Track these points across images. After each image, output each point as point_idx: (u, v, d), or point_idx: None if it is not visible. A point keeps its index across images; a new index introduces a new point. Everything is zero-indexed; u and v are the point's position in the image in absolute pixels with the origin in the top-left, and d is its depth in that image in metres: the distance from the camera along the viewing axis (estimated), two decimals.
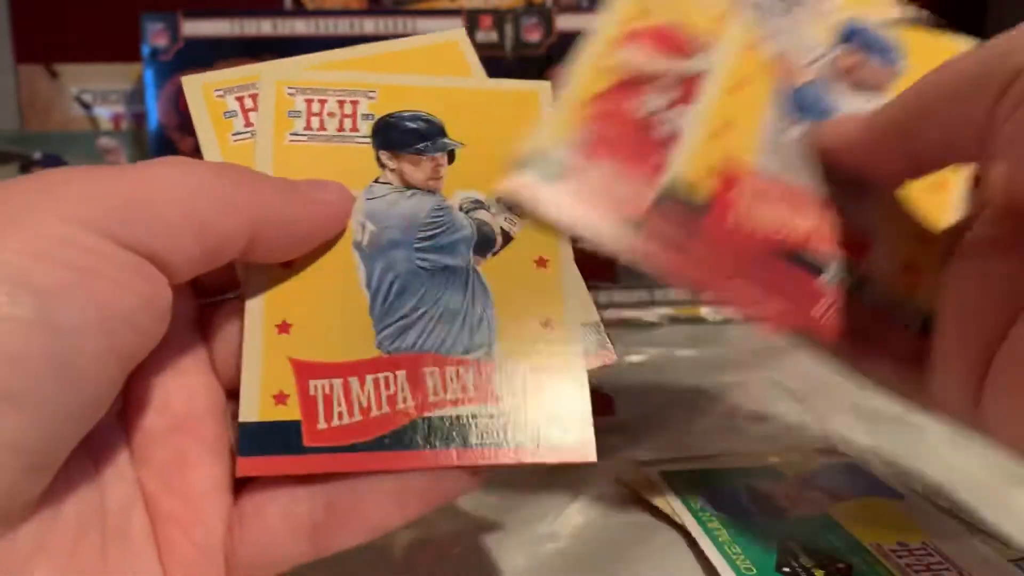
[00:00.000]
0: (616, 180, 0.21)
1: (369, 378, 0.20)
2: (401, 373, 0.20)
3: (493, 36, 0.58)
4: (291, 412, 0.19)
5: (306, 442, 0.19)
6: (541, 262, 0.22)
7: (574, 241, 0.22)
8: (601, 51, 0.23)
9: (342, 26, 0.59)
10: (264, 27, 0.58)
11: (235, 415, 0.20)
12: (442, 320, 0.21)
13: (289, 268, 0.20)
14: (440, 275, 0.21)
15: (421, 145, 0.22)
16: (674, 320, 0.58)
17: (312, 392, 0.19)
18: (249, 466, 0.19)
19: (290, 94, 0.22)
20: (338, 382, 0.20)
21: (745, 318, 0.22)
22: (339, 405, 0.19)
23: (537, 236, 0.22)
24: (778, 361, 0.49)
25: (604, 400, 0.37)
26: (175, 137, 0.59)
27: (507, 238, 0.22)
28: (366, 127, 0.22)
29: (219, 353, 0.20)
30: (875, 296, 0.23)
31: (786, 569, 0.26)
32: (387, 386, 0.20)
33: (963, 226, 0.23)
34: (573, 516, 0.31)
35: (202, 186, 0.17)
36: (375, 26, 0.59)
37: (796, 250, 0.22)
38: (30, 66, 0.68)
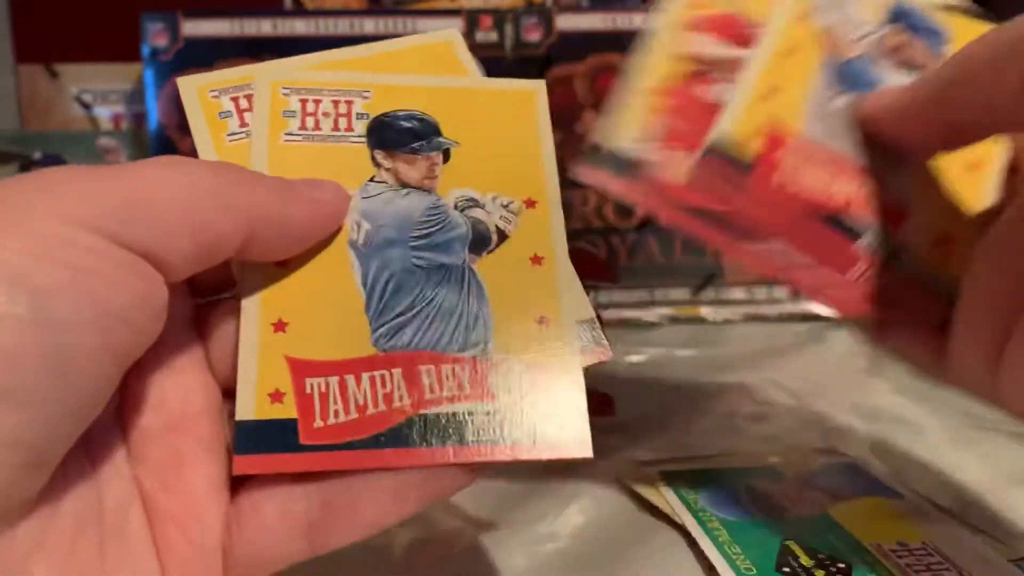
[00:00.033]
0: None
1: (365, 376, 0.20)
2: (397, 371, 0.20)
3: (493, 36, 0.58)
4: (287, 410, 0.19)
5: (302, 440, 0.19)
6: (536, 260, 0.22)
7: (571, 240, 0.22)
8: (667, 41, 0.24)
9: (342, 26, 0.59)
10: (264, 27, 0.58)
11: (231, 413, 0.20)
12: (438, 318, 0.21)
13: (285, 267, 0.20)
14: (435, 273, 0.21)
15: (416, 144, 0.22)
16: (674, 320, 0.58)
17: (308, 390, 0.19)
18: (246, 464, 0.19)
19: (285, 94, 0.22)
20: (334, 380, 0.20)
21: (779, 279, 0.23)
22: (335, 403, 0.19)
23: (532, 234, 0.22)
24: (778, 361, 0.49)
25: (604, 400, 0.37)
26: (175, 137, 0.59)
27: (502, 236, 0.22)
28: (361, 127, 0.22)
29: (215, 352, 0.20)
30: (909, 265, 0.24)
31: (786, 569, 0.26)
32: (383, 384, 0.20)
33: (998, 208, 0.24)
34: (573, 516, 0.31)
35: (198, 185, 0.17)
36: (375, 26, 0.59)
37: (836, 214, 0.23)
38: (30, 66, 0.68)
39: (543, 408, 0.20)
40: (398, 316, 0.21)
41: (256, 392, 0.19)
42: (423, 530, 0.29)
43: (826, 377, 0.47)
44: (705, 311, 0.59)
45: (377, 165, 0.22)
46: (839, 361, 0.50)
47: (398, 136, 0.22)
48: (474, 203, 0.22)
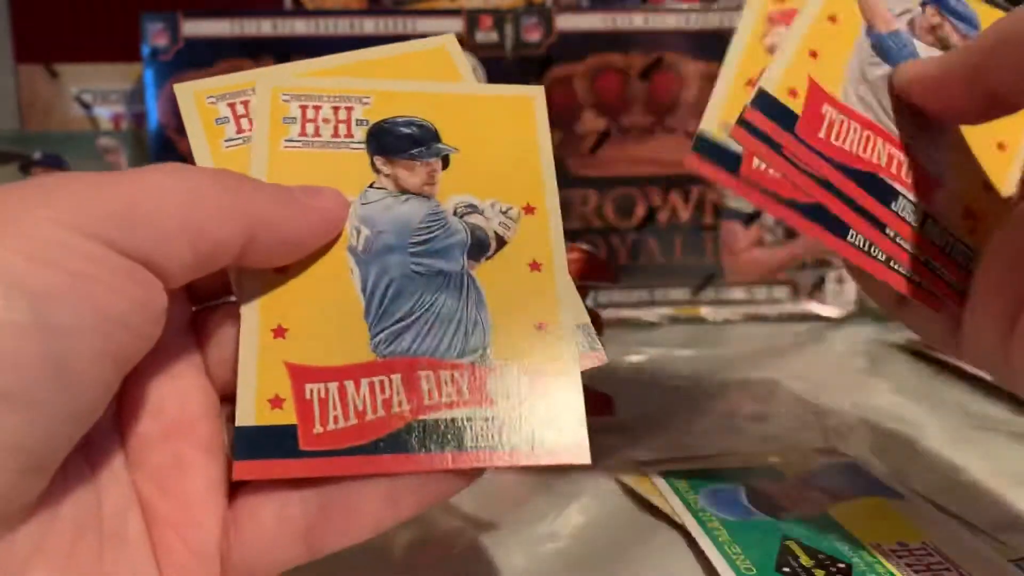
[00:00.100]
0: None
1: (364, 382, 0.20)
2: (396, 377, 0.20)
3: (493, 36, 0.58)
4: (287, 416, 0.19)
5: (302, 446, 0.19)
6: (535, 265, 0.22)
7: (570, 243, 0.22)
8: (754, 34, 0.24)
9: (342, 26, 0.59)
10: (264, 27, 0.58)
11: (230, 418, 0.20)
12: (437, 324, 0.21)
13: (284, 273, 0.20)
14: (435, 279, 0.21)
15: (415, 150, 0.22)
16: (674, 320, 0.58)
17: (308, 396, 0.19)
18: (245, 470, 0.19)
19: (285, 100, 0.22)
20: (333, 386, 0.20)
21: (809, 234, 0.23)
22: (335, 409, 0.19)
23: (531, 240, 0.22)
24: (778, 361, 0.49)
25: (604, 400, 0.37)
26: (175, 137, 0.59)
27: (501, 242, 0.22)
28: (360, 133, 0.22)
29: (213, 357, 0.20)
30: (936, 234, 0.24)
31: (786, 569, 0.26)
32: (382, 390, 0.20)
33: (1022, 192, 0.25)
34: (573, 516, 0.31)
35: (197, 192, 0.17)
36: (375, 26, 0.59)
37: (874, 173, 0.24)
38: (30, 66, 0.68)
39: (542, 414, 0.20)
40: (397, 322, 0.21)
41: (256, 398, 0.19)
42: (423, 530, 0.29)
43: (826, 377, 0.47)
44: (705, 311, 0.59)
45: (377, 171, 0.22)
46: (839, 361, 0.50)
47: (397, 142, 0.22)
48: (473, 209, 0.22)
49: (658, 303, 0.59)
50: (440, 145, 0.23)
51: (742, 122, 0.23)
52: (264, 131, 0.22)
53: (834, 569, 0.26)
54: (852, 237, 0.23)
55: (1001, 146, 0.26)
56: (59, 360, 0.15)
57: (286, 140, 0.22)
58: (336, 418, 0.19)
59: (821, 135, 0.23)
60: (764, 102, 0.23)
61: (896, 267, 0.24)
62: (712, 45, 0.59)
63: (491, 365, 0.20)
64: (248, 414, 0.19)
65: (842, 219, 0.23)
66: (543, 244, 0.22)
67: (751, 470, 0.33)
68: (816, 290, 0.59)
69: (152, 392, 0.19)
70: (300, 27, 0.59)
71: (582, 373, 0.21)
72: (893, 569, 0.26)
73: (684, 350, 0.52)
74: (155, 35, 0.58)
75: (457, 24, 0.58)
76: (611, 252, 0.59)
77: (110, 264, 0.16)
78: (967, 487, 0.33)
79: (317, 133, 0.22)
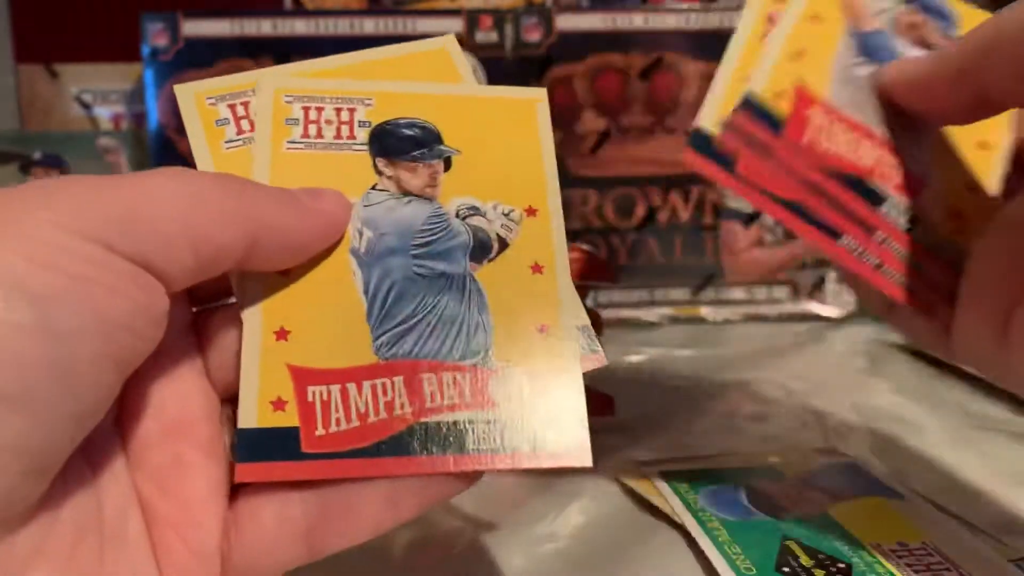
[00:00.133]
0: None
1: (367, 384, 0.20)
2: (398, 379, 0.20)
3: (493, 36, 0.58)
4: (289, 418, 0.19)
5: (304, 448, 0.19)
6: (537, 268, 0.22)
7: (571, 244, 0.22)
8: (754, 32, 0.24)
9: (342, 26, 0.59)
10: (264, 27, 0.58)
11: (230, 419, 0.20)
12: (439, 326, 0.21)
13: (286, 275, 0.20)
14: (437, 282, 0.21)
15: (417, 152, 0.22)
16: (674, 320, 0.58)
17: (310, 398, 0.19)
18: (247, 472, 0.19)
19: (287, 102, 0.22)
20: (336, 388, 0.20)
21: (804, 237, 0.23)
22: (337, 411, 0.19)
23: (533, 242, 0.22)
24: (778, 361, 0.49)
25: (604, 400, 0.37)
26: (175, 137, 0.59)
27: (503, 244, 0.22)
28: (363, 134, 0.22)
29: (213, 358, 0.20)
30: (924, 236, 0.24)
31: (786, 569, 0.26)
32: (384, 392, 0.20)
33: (1010, 189, 0.25)
34: (573, 516, 0.31)
35: (198, 197, 0.17)
36: (375, 26, 0.59)
37: (862, 177, 0.24)
38: (30, 66, 0.68)
39: (543, 417, 0.20)
40: (399, 324, 0.21)
41: (258, 400, 0.19)
42: (423, 530, 0.29)
43: (826, 377, 0.47)
44: (705, 311, 0.59)
45: (379, 173, 0.22)
46: (839, 361, 0.50)
47: (400, 144, 0.22)
48: (475, 211, 0.22)
49: (658, 303, 0.59)
50: (442, 147, 0.23)
51: (729, 127, 0.23)
52: (266, 132, 0.22)
53: (834, 569, 0.26)
54: (844, 241, 0.23)
55: (983, 145, 0.26)
56: (61, 362, 0.15)
57: (288, 142, 0.22)
58: (338, 420, 0.19)
59: (808, 139, 0.23)
60: (750, 107, 0.23)
61: (886, 271, 0.24)
62: (712, 45, 0.59)
63: (493, 368, 0.20)
64: (250, 416, 0.19)
65: (833, 224, 0.23)
66: (545, 246, 0.22)
67: (751, 470, 0.33)
68: (816, 290, 0.59)
69: (152, 393, 0.19)
70: (300, 27, 0.59)
71: (584, 374, 0.21)
72: (893, 569, 0.26)
73: (684, 350, 0.52)
74: (155, 35, 0.58)
75: (457, 24, 0.58)
76: (611, 252, 0.59)
77: (111, 267, 0.16)
78: (967, 487, 0.33)
79: (320, 135, 0.22)
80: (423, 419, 0.20)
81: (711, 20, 0.59)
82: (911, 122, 0.24)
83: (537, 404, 0.20)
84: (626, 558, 0.28)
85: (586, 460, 0.20)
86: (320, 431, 0.19)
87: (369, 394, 0.20)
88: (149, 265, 0.16)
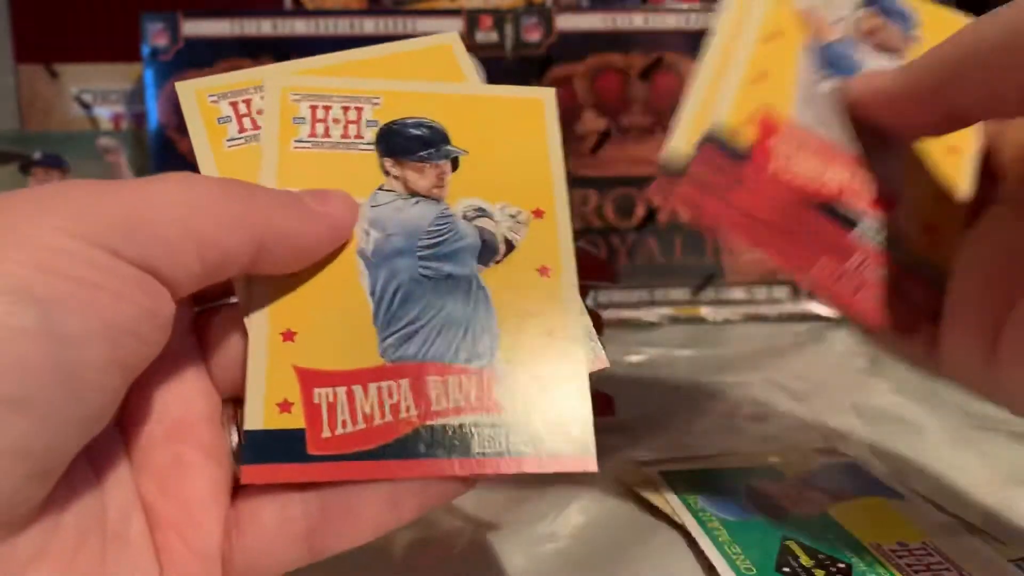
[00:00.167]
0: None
1: (372, 387, 0.20)
2: (404, 382, 0.20)
3: (493, 36, 0.58)
4: (295, 420, 0.19)
5: (310, 450, 0.19)
6: (544, 271, 0.22)
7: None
8: (721, 62, 0.23)
9: (342, 26, 0.59)
10: (264, 27, 0.58)
11: (232, 419, 0.20)
12: (445, 329, 0.21)
13: (294, 276, 0.20)
14: (443, 284, 0.21)
15: (424, 152, 0.22)
16: (674, 320, 0.58)
17: (316, 400, 0.19)
18: (253, 474, 0.18)
19: (294, 100, 0.22)
20: (342, 390, 0.20)
21: (780, 270, 0.23)
22: (343, 413, 0.19)
23: (540, 244, 0.22)
24: (778, 361, 0.49)
25: (604, 400, 0.37)
26: (175, 137, 0.59)
27: (510, 246, 0.22)
28: (370, 134, 0.22)
29: (215, 358, 0.20)
30: (901, 253, 0.24)
31: (786, 569, 0.26)
32: (390, 395, 0.20)
33: (980, 198, 0.24)
34: (573, 516, 0.31)
35: (203, 202, 0.17)
36: (375, 26, 0.59)
37: (831, 202, 0.23)
38: (30, 66, 0.68)
39: (549, 421, 0.20)
40: (406, 326, 0.20)
41: (264, 402, 0.19)
42: (423, 530, 0.29)
43: (826, 377, 0.47)
44: (705, 311, 0.59)
45: (386, 173, 0.22)
46: (839, 361, 0.50)
47: (407, 144, 0.22)
48: (482, 213, 0.22)
49: (658, 303, 0.59)
50: (449, 147, 0.22)
51: (690, 174, 0.22)
52: (274, 131, 0.22)
53: (834, 569, 0.26)
54: (818, 270, 0.23)
55: (952, 149, 0.25)
56: (67, 367, 0.15)
57: (296, 141, 0.22)
58: (344, 423, 0.19)
59: (773, 170, 0.22)
60: (713, 144, 0.22)
61: (864, 297, 0.23)
62: None
63: (499, 371, 0.20)
64: (256, 417, 0.19)
65: (805, 254, 0.22)
66: (552, 249, 0.22)
67: (751, 470, 0.33)
68: None
69: (154, 394, 0.19)
70: (300, 27, 0.59)
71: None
72: (893, 569, 0.26)
73: (684, 350, 0.52)
74: (155, 35, 0.58)
75: (457, 24, 0.58)
76: (611, 252, 0.59)
77: (117, 272, 0.16)
78: (967, 487, 0.33)
79: (327, 134, 0.22)
80: (429, 422, 0.20)
81: (711, 20, 0.59)
82: (880, 135, 0.24)
83: (543, 408, 0.20)
84: (626, 558, 0.28)
85: (591, 466, 0.20)
86: (326, 433, 0.19)
87: (375, 396, 0.20)
88: (154, 270, 0.16)
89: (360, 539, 0.19)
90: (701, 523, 0.28)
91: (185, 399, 0.19)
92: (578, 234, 0.63)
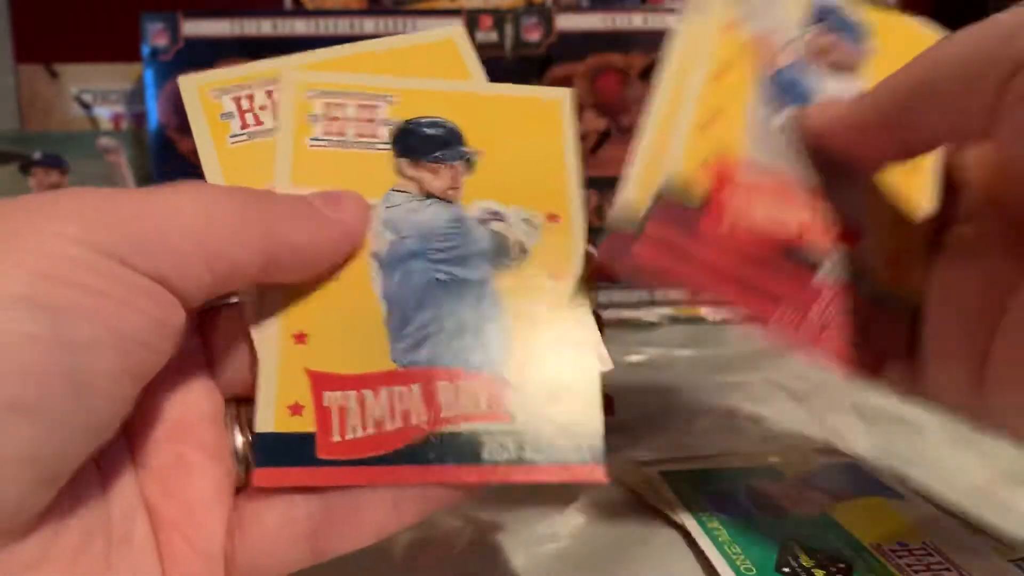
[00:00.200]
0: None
1: (384, 391, 0.19)
2: (415, 387, 0.20)
3: (493, 36, 0.58)
4: (306, 424, 0.19)
5: (320, 454, 0.19)
6: (557, 276, 0.21)
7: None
8: (671, 94, 0.22)
9: (342, 26, 0.59)
10: (264, 27, 0.58)
11: (235, 419, 0.20)
12: (457, 334, 0.20)
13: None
14: (456, 288, 0.21)
15: (439, 153, 0.22)
16: (674, 320, 0.58)
17: (327, 404, 0.19)
18: (265, 477, 0.18)
19: (310, 97, 0.22)
20: (353, 395, 0.19)
21: (747, 322, 0.21)
22: (353, 418, 0.19)
23: (553, 249, 0.22)
24: (778, 361, 0.49)
25: (604, 400, 0.37)
26: (175, 137, 0.59)
27: (523, 251, 0.21)
28: (385, 133, 0.22)
29: (218, 358, 0.20)
30: (870, 288, 0.23)
31: (786, 569, 0.26)
32: (401, 400, 0.19)
33: (942, 216, 0.23)
34: (573, 516, 0.31)
35: (215, 215, 0.17)
36: (375, 26, 0.59)
37: (792, 246, 0.22)
38: (30, 66, 0.68)
39: (559, 430, 0.20)
40: (418, 331, 0.20)
41: (276, 404, 0.19)
42: (423, 530, 0.29)
43: (826, 377, 0.47)
44: (705, 311, 0.59)
45: (401, 173, 0.22)
46: None
47: (422, 144, 0.22)
48: (497, 216, 0.22)
49: (658, 303, 0.59)
50: (464, 148, 0.22)
51: (646, 233, 0.20)
52: (289, 128, 0.21)
53: (834, 569, 0.26)
54: (782, 317, 0.21)
55: (912, 169, 0.23)
56: (77, 375, 0.15)
57: (311, 139, 0.21)
58: (355, 427, 0.19)
59: (732, 220, 0.21)
60: (667, 200, 0.21)
61: (832, 340, 0.22)
62: None
63: (510, 378, 0.20)
64: (268, 420, 0.19)
65: (769, 304, 0.21)
66: (565, 255, 0.22)
67: (751, 470, 0.33)
68: None
69: (157, 394, 0.19)
70: (300, 27, 0.59)
71: None
72: (893, 569, 0.26)
73: (684, 350, 0.52)
74: (155, 35, 0.58)
75: (457, 24, 0.58)
76: None
77: (127, 282, 0.16)
78: (967, 487, 0.33)
79: (342, 132, 0.22)
80: (439, 428, 0.19)
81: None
82: (840, 165, 0.22)
83: (553, 416, 0.20)
84: (626, 558, 0.28)
85: (601, 476, 0.20)
86: (336, 437, 0.19)
87: (386, 401, 0.19)
88: (165, 281, 0.16)
89: (363, 541, 0.19)
90: (701, 523, 0.28)
91: (188, 399, 0.19)
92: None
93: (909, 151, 0.21)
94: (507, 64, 0.58)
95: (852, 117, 0.21)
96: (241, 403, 0.20)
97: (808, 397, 0.43)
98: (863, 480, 0.32)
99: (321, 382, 0.19)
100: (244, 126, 0.21)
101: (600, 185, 0.59)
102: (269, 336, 0.20)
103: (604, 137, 0.59)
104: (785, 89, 0.23)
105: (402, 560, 0.28)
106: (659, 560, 0.28)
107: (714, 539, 0.27)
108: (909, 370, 0.22)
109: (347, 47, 0.23)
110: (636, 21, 0.59)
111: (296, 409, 0.19)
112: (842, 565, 0.26)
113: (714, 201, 0.21)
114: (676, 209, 0.21)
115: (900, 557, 0.27)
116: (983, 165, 0.22)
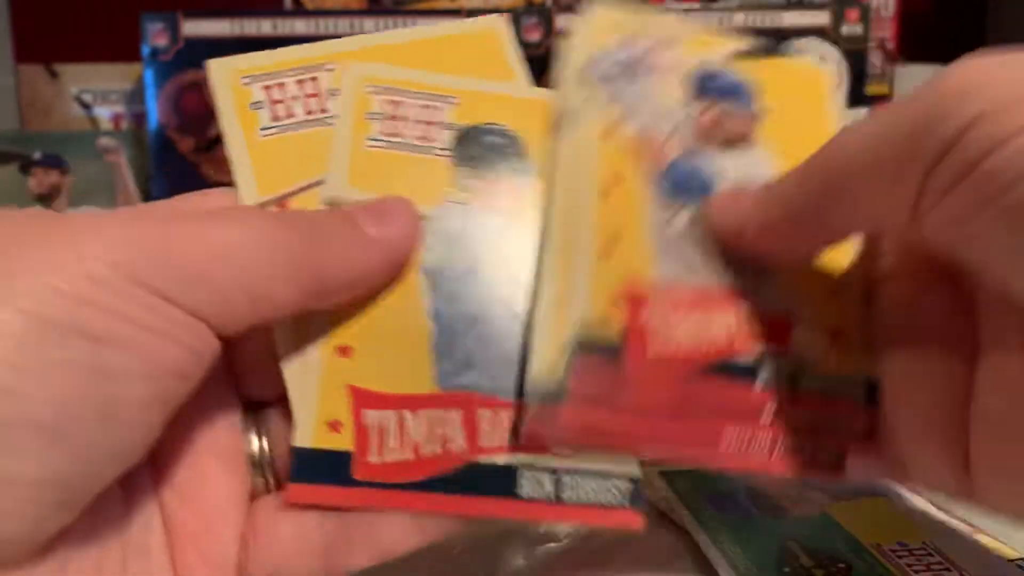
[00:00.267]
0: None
1: (423, 414, 0.19)
2: (456, 413, 0.19)
3: None
4: (344, 441, 0.18)
5: (356, 474, 0.18)
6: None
7: None
8: (563, 227, 0.20)
9: (342, 26, 0.59)
10: (264, 27, 0.58)
11: (252, 426, 0.20)
12: (502, 361, 0.19)
13: None
14: (507, 312, 0.20)
15: (500, 164, 0.21)
16: None
17: (366, 423, 0.19)
18: (300, 493, 0.18)
19: (370, 93, 0.21)
20: (393, 415, 0.19)
21: (694, 462, 0.20)
22: (392, 439, 0.19)
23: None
24: None
25: None
26: (175, 137, 0.59)
27: None
28: (445, 137, 0.21)
29: (238, 365, 0.20)
30: (816, 380, 0.20)
31: (786, 569, 0.26)
32: (441, 425, 0.19)
33: (867, 272, 0.21)
34: None
35: (261, 256, 0.17)
36: (375, 26, 0.59)
37: (723, 360, 0.20)
38: (30, 66, 0.69)
39: (598, 470, 0.19)
40: (464, 354, 0.19)
41: (315, 419, 0.18)
42: None
43: None
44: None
45: (458, 183, 0.20)
46: None
47: (483, 153, 0.21)
48: None
49: None
50: (525, 161, 0.21)
51: (571, 395, 0.19)
52: (348, 125, 0.20)
53: (834, 569, 0.26)
54: (726, 442, 0.20)
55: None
56: (108, 403, 0.15)
57: (369, 139, 0.20)
58: (393, 449, 0.18)
59: (654, 351, 0.19)
60: (584, 352, 0.19)
61: (783, 449, 0.20)
62: None
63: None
64: (306, 435, 0.18)
65: (709, 431, 0.19)
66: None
67: None
68: None
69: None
70: (300, 27, 0.59)
71: None
72: (893, 569, 0.26)
73: None
74: (155, 35, 0.58)
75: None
76: None
77: (167, 316, 0.15)
78: None
79: (401, 134, 0.20)
80: (477, 458, 0.19)
81: (711, 20, 0.59)
82: (753, 259, 0.20)
83: (592, 456, 0.19)
84: (626, 558, 0.28)
85: (637, 523, 0.19)
86: (374, 458, 0.18)
87: (425, 425, 0.19)
88: (205, 319, 0.16)
89: (379, 558, 0.19)
90: (701, 523, 0.28)
91: (205, 407, 0.19)
92: None
93: (827, 242, 0.19)
94: None
95: (759, 216, 0.19)
96: (260, 408, 0.20)
97: None
98: None
99: (362, 399, 0.19)
100: (275, 118, 0.20)
101: None
102: (312, 348, 0.19)
103: None
104: (681, 184, 0.21)
105: (402, 560, 0.28)
106: (659, 560, 0.28)
107: (714, 539, 0.27)
108: (875, 456, 0.20)
109: (387, 34, 0.22)
110: None
111: (335, 426, 0.18)
112: (842, 565, 0.26)
113: (632, 331, 0.19)
114: (596, 356, 0.19)
115: (900, 557, 0.27)
116: (911, 254, 0.20)
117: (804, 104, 0.23)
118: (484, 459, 0.19)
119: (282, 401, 0.19)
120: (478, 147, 0.21)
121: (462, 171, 0.20)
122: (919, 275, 0.19)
